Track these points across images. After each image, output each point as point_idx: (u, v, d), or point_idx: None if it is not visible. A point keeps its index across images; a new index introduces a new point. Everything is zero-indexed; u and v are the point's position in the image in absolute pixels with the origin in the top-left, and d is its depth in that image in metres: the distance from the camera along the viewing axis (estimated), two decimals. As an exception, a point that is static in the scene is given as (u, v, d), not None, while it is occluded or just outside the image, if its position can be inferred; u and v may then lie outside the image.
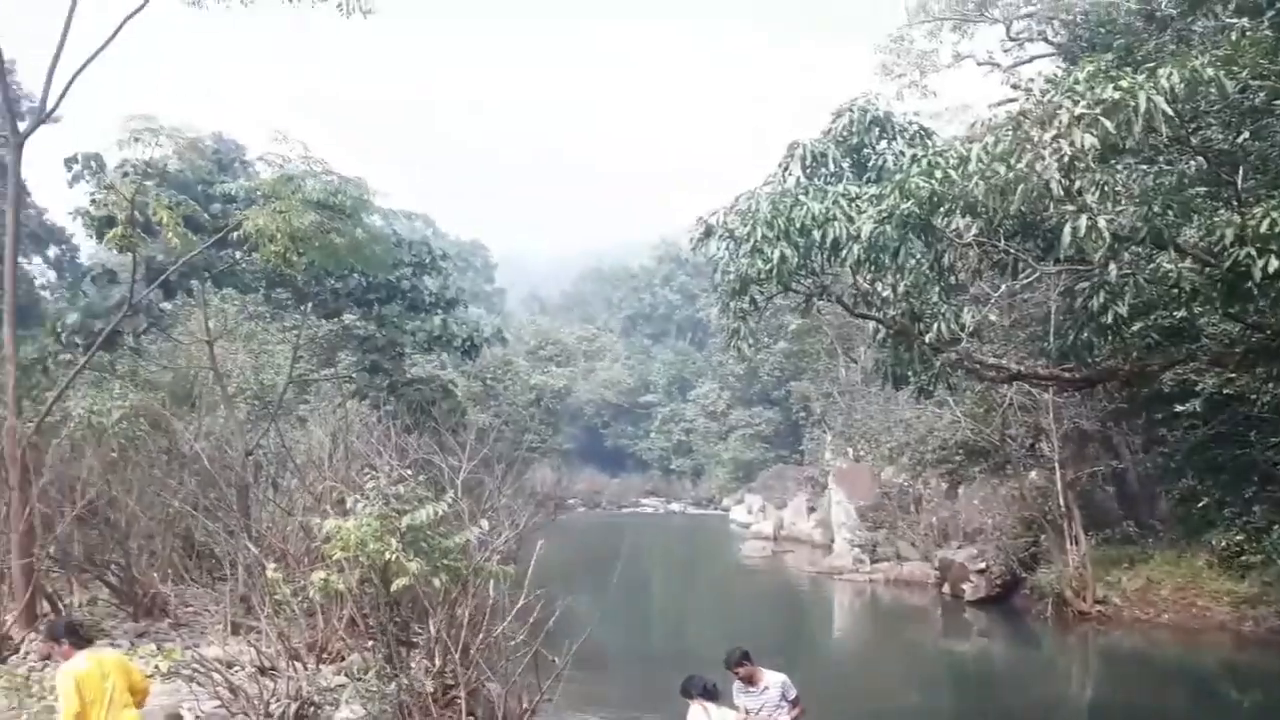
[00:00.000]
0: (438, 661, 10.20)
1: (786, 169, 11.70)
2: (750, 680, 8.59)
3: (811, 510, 41.25)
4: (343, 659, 11.88)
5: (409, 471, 10.99)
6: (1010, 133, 9.05)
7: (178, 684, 10.43)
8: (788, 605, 28.78)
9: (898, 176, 9.97)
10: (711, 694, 8.20)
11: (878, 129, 11.63)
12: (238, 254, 21.49)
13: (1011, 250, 10.62)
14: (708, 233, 11.20)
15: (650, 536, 44.58)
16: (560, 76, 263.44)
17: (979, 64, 30.63)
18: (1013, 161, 8.75)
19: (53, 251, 46.17)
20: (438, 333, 28.19)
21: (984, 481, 26.72)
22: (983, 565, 24.47)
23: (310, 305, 24.82)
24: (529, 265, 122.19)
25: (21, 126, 14.13)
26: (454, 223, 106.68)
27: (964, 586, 24.52)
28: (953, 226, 9.91)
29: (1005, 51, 30.22)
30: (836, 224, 9.88)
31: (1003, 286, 11.57)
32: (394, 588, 9.88)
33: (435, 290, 29.20)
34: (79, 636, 7.45)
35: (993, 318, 11.57)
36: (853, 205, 10.03)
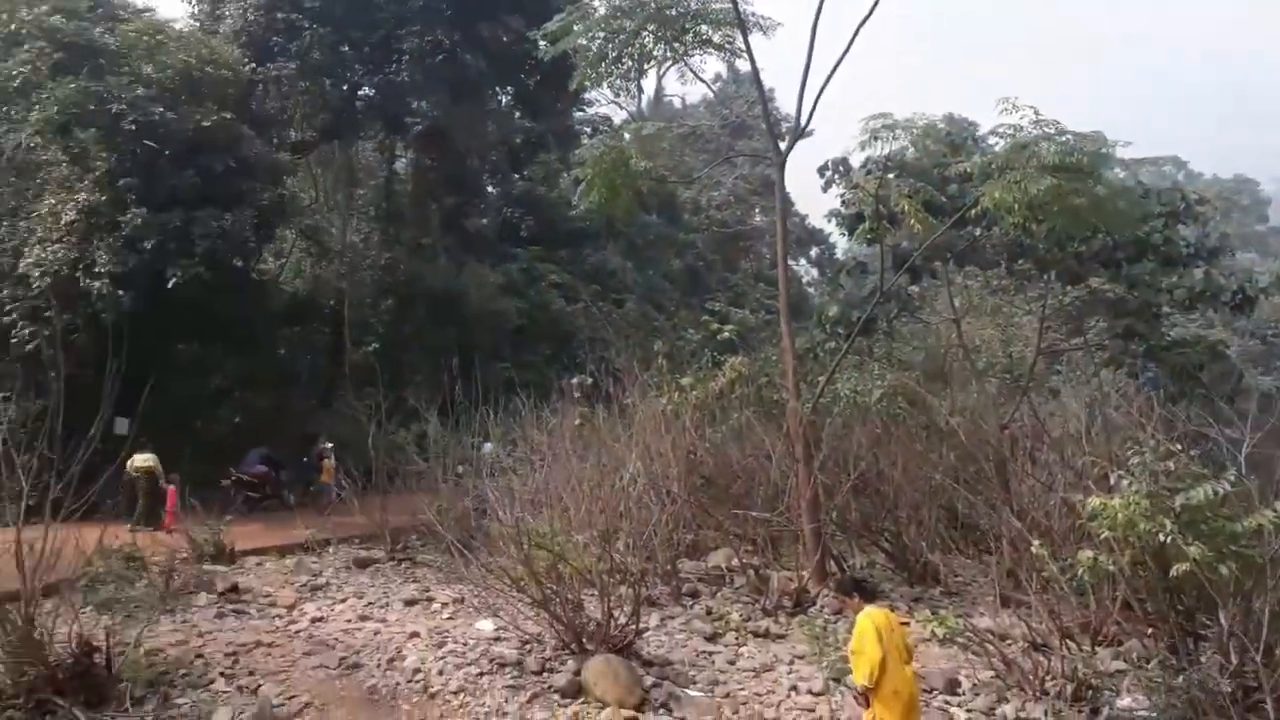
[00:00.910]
0: (1234, 659, 9.00)
1: None
2: None
3: None
4: (1119, 644, 11.23)
5: (1178, 446, 9.96)
6: None
7: (953, 651, 10.87)
8: None
9: None
10: None
11: None
12: (977, 231, 21.77)
13: None
14: None
15: None
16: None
17: None
18: None
19: (814, 252, 52.87)
20: (1199, 287, 24.97)
21: None
22: None
23: (1053, 273, 24.00)
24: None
25: (781, 145, 16.24)
26: (1211, 161, 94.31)
27: None
28: None
29: None
30: None
31: None
32: (1172, 573, 9.05)
33: (1192, 240, 25.95)
34: (866, 592, 8.29)
35: None
36: None
